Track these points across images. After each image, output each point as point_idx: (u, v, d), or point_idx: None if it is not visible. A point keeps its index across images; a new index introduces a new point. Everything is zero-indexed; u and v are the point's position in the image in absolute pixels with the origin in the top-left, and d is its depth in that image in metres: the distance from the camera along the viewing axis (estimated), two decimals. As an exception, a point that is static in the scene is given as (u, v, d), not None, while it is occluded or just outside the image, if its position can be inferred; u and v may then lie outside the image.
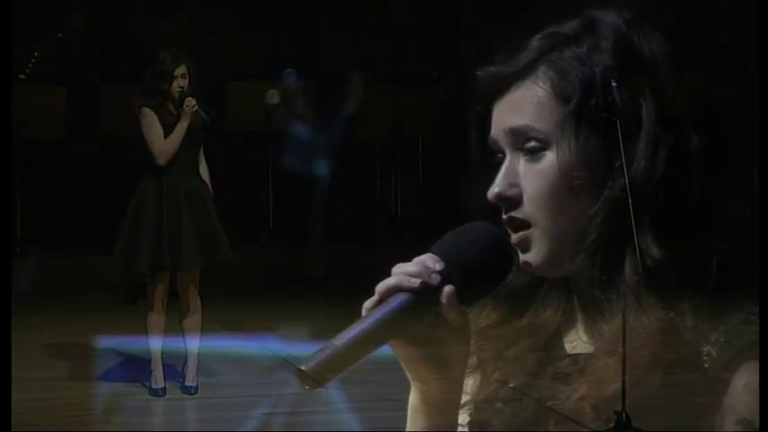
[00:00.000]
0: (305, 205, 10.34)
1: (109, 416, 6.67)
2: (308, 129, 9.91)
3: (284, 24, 12.33)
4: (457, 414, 1.46)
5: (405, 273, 1.36)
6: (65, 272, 10.21)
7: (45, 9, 11.53)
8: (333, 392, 6.41)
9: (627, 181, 1.29)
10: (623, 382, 1.23)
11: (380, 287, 1.37)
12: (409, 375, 1.44)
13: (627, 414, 1.21)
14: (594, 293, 1.33)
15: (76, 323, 8.91)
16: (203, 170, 7.37)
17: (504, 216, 1.38)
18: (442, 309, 1.36)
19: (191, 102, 7.10)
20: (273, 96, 10.32)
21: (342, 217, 10.98)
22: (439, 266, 1.36)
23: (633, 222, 1.28)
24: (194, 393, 7.25)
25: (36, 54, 11.80)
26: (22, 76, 11.50)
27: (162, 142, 7.13)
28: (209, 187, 7.33)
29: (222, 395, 7.12)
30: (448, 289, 1.35)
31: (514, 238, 1.38)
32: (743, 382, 1.26)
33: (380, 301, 1.37)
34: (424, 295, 1.36)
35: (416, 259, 1.37)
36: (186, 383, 7.28)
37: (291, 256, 10.63)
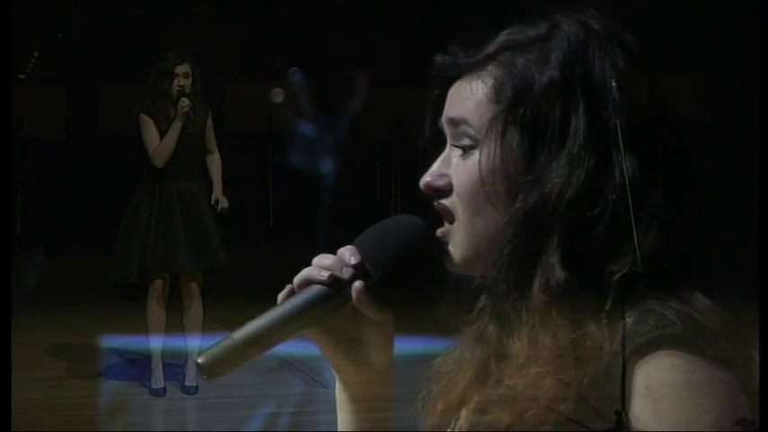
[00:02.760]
0: (305, 205, 10.33)
1: (109, 416, 6.66)
2: (308, 128, 9.91)
3: (284, 24, 12.33)
4: (387, 397, 1.46)
5: (318, 265, 1.39)
6: (65, 272, 10.21)
7: (45, 9, 11.53)
8: (333, 393, 6.41)
9: (628, 184, 1.29)
10: (623, 381, 1.23)
11: (296, 278, 1.40)
12: (330, 365, 1.46)
13: (627, 414, 1.21)
14: (506, 307, 1.32)
15: (76, 323, 8.91)
16: (214, 160, 7.37)
17: (434, 203, 1.39)
18: (355, 303, 1.37)
19: (184, 102, 7.11)
20: (278, 95, 10.32)
21: (342, 217, 10.97)
22: (354, 260, 1.37)
23: (635, 228, 1.27)
24: (194, 393, 7.25)
25: (36, 54, 11.79)
26: (22, 76, 11.50)
27: (157, 145, 7.15)
28: (218, 173, 7.33)
29: (222, 395, 7.12)
30: (356, 284, 1.36)
31: (439, 231, 1.38)
32: (645, 383, 1.24)
33: (293, 292, 1.39)
34: (337, 288, 1.37)
35: (340, 250, 1.38)
36: (186, 383, 7.29)
37: (292, 256, 10.63)
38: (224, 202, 7.34)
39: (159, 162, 7.16)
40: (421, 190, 1.40)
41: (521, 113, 1.32)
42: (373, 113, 11.14)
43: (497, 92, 1.35)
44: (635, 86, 1.33)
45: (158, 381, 7.24)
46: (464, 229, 1.36)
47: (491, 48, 1.37)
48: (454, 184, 1.37)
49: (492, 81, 1.35)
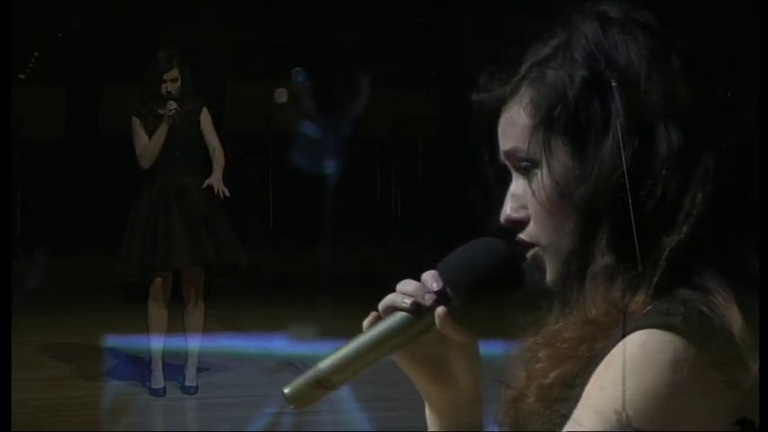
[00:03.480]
0: (305, 205, 10.34)
1: (109, 416, 6.67)
2: (310, 129, 9.91)
3: (284, 24, 12.33)
4: (477, 418, 1.48)
5: (401, 291, 1.41)
6: (65, 272, 10.21)
7: (45, 9, 11.53)
8: (333, 393, 6.41)
9: (627, 183, 1.30)
10: (623, 381, 1.24)
11: (381, 305, 1.41)
12: (418, 389, 1.48)
13: (628, 414, 1.22)
14: (569, 298, 1.35)
15: (76, 323, 8.91)
16: (217, 154, 7.35)
17: (516, 238, 1.40)
18: (439, 328, 1.39)
19: (170, 105, 7.14)
20: (281, 95, 10.32)
21: (342, 217, 10.98)
22: (437, 286, 1.39)
23: (633, 223, 1.28)
24: (194, 393, 7.26)
25: (36, 54, 11.79)
26: (22, 76, 11.50)
27: (143, 146, 7.20)
28: (219, 165, 7.30)
29: (222, 395, 7.12)
30: (440, 310, 1.38)
31: (529, 256, 1.40)
32: (614, 350, 1.25)
33: (378, 319, 1.41)
34: (420, 314, 1.39)
35: (423, 275, 1.40)
36: (186, 383, 7.29)
37: (292, 256, 10.64)
38: (219, 189, 7.25)
39: (145, 163, 7.22)
40: (500, 223, 1.41)
41: (558, 120, 1.34)
42: (373, 113, 11.14)
43: (535, 108, 1.36)
44: (662, 59, 1.35)
45: (158, 381, 7.24)
46: (550, 253, 1.37)
47: (522, 69, 1.39)
48: (530, 211, 1.38)
49: (528, 100, 1.37)
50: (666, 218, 1.30)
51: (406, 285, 1.41)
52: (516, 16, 1.41)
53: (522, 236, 1.39)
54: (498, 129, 1.41)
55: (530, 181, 1.38)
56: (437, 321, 1.39)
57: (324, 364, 1.38)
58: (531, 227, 1.38)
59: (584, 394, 1.25)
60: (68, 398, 7.12)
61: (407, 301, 1.40)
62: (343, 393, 6.18)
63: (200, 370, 7.33)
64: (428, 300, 1.39)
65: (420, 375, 1.46)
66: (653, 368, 1.23)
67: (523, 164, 1.38)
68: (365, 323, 1.42)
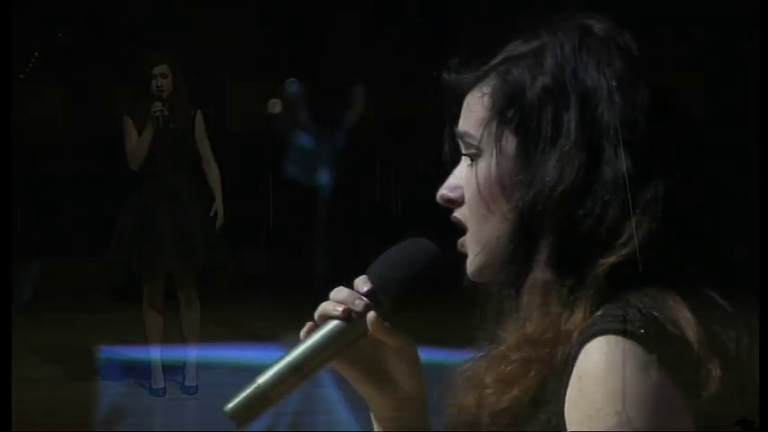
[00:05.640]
0: (305, 205, 10.34)
1: (109, 416, 6.66)
2: (308, 131, 9.91)
3: (285, 24, 12.33)
4: (422, 421, 1.48)
5: (333, 299, 1.43)
6: (64, 272, 10.21)
7: (45, 9, 11.53)
8: (331, 393, 6.42)
9: (630, 197, 1.29)
10: (624, 381, 1.24)
11: (316, 313, 1.43)
12: (362, 395, 1.49)
13: (627, 414, 1.22)
14: (503, 307, 1.36)
15: (76, 323, 8.91)
16: (212, 170, 7.34)
17: (451, 217, 1.42)
18: (372, 332, 1.41)
19: (156, 106, 7.10)
20: (275, 106, 10.33)
21: (342, 217, 10.99)
22: (366, 289, 1.41)
23: (635, 230, 1.28)
24: (194, 393, 7.25)
25: (36, 54, 11.79)
26: (22, 76, 11.50)
27: (131, 147, 7.17)
28: (217, 184, 7.29)
29: (222, 395, 7.10)
30: (370, 316, 1.41)
31: (458, 243, 1.41)
32: (582, 365, 1.25)
33: (314, 328, 1.43)
34: (353, 321, 1.40)
35: (355, 281, 1.43)
36: (186, 383, 7.29)
37: (291, 257, 10.64)
38: (220, 219, 7.27)
39: (133, 164, 7.19)
40: (438, 202, 1.43)
41: (511, 117, 1.35)
42: (372, 113, 11.14)
43: (493, 100, 1.37)
44: (630, 86, 1.34)
45: (158, 381, 7.24)
46: (473, 238, 1.39)
47: (495, 60, 1.40)
48: (465, 194, 1.40)
49: (488, 90, 1.38)
50: (605, 239, 1.29)
51: (339, 293, 1.43)
52: (516, 17, 1.41)
53: (457, 215, 1.41)
54: (462, 109, 1.42)
55: (471, 166, 1.39)
56: (369, 326, 1.40)
57: (262, 379, 1.40)
58: (463, 209, 1.40)
59: (572, 422, 1.25)
60: (68, 398, 7.11)
61: (339, 309, 1.41)
62: (340, 394, 6.19)
63: (199, 370, 7.33)
64: (358, 306, 1.41)
65: (361, 382, 1.47)
66: (626, 380, 1.23)
67: (471, 149, 1.39)
68: (302, 333, 1.43)
